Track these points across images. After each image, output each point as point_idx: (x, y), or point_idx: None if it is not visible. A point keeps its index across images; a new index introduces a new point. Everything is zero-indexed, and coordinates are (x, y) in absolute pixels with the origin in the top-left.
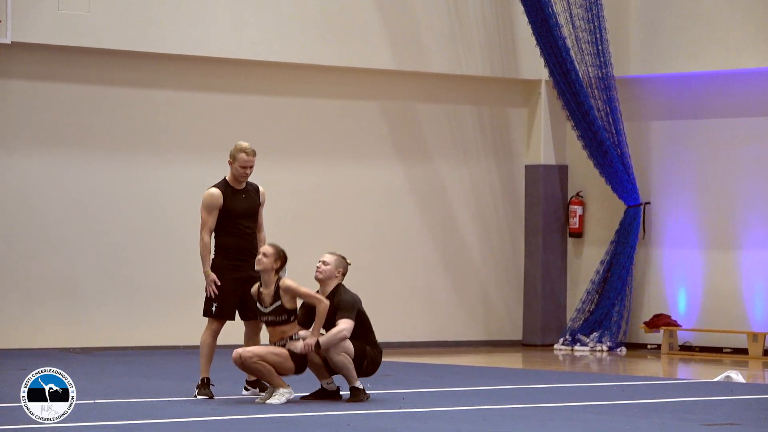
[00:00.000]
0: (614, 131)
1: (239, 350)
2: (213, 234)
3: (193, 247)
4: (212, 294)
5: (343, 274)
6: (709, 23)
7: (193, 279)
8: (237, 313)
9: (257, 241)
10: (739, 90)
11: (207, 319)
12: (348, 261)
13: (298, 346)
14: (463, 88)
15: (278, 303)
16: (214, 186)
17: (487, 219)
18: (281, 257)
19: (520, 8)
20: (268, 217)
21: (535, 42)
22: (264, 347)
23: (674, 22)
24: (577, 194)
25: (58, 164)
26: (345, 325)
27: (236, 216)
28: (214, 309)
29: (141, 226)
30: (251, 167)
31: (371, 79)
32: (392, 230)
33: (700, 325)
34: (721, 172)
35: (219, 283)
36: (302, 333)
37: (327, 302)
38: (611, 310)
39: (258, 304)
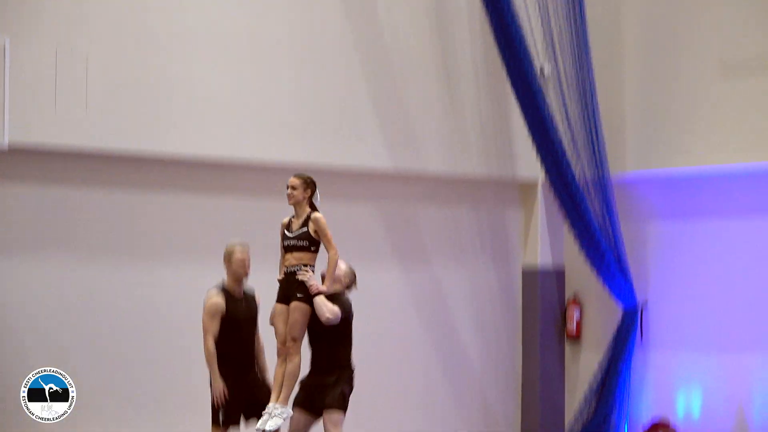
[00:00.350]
0: (611, 232)
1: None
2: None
3: (193, 353)
4: (219, 403)
5: (347, 286)
6: (707, 122)
7: (192, 386)
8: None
9: (257, 347)
10: (737, 189)
11: (211, 426)
12: (356, 282)
13: (311, 279)
14: (460, 189)
15: (305, 229)
16: (213, 290)
17: (484, 321)
18: (310, 185)
19: (516, 109)
20: (265, 319)
21: (531, 143)
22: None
23: (670, 122)
24: (574, 297)
25: (55, 269)
26: (336, 311)
27: (239, 323)
28: (221, 418)
29: (140, 332)
30: (248, 262)
31: (368, 180)
32: (389, 332)
33: (700, 430)
34: (719, 274)
35: (226, 394)
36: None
37: (337, 252)
38: (610, 415)
39: (285, 231)
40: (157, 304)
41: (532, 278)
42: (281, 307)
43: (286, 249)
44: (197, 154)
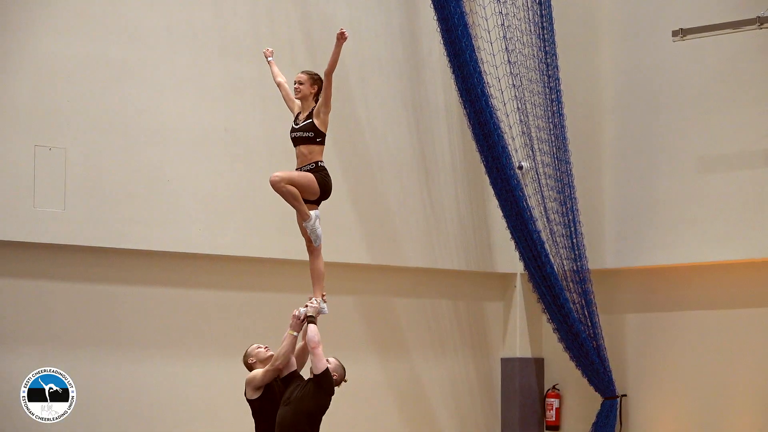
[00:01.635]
0: (590, 324)
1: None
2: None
3: None
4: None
5: (336, 382)
6: (683, 217)
7: None
8: None
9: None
10: (714, 283)
11: None
12: (345, 377)
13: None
14: (439, 282)
15: (310, 120)
16: None
17: (463, 412)
18: (317, 81)
19: (495, 202)
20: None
21: (510, 235)
22: (294, 172)
23: (648, 216)
24: (554, 387)
25: (34, 363)
26: (322, 362)
27: (276, 400)
28: None
29: (120, 424)
30: (263, 347)
31: (348, 273)
32: (369, 424)
33: None
34: (697, 365)
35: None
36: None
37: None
38: None
39: (293, 124)
40: (140, 396)
41: (511, 367)
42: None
43: (294, 142)
44: (178, 248)
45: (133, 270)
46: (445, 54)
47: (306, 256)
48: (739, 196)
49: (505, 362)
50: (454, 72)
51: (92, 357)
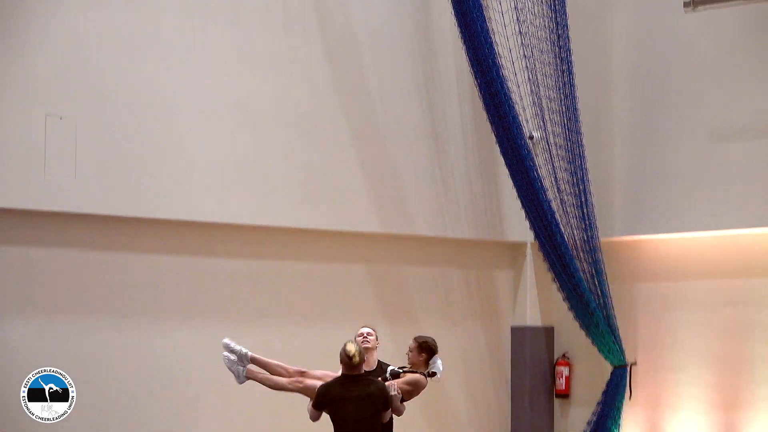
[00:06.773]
0: (600, 293)
1: None
2: None
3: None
4: None
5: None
6: (693, 187)
7: None
8: None
9: None
10: (725, 252)
11: None
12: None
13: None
14: (449, 251)
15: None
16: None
17: (473, 380)
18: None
19: (505, 171)
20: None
21: (520, 205)
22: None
23: (659, 187)
24: (564, 355)
25: (45, 331)
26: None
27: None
28: None
29: (132, 393)
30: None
31: (358, 242)
32: None
33: None
34: (707, 334)
35: None
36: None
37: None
38: None
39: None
40: (150, 364)
41: (521, 336)
42: None
43: None
44: (188, 217)
45: (143, 238)
46: (456, 24)
47: (319, 225)
48: (750, 166)
49: (515, 331)
50: (465, 42)
51: (103, 325)
